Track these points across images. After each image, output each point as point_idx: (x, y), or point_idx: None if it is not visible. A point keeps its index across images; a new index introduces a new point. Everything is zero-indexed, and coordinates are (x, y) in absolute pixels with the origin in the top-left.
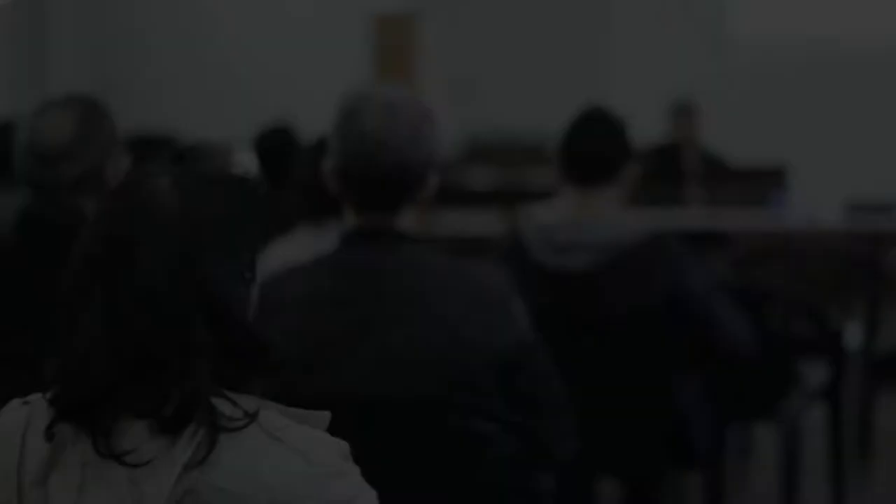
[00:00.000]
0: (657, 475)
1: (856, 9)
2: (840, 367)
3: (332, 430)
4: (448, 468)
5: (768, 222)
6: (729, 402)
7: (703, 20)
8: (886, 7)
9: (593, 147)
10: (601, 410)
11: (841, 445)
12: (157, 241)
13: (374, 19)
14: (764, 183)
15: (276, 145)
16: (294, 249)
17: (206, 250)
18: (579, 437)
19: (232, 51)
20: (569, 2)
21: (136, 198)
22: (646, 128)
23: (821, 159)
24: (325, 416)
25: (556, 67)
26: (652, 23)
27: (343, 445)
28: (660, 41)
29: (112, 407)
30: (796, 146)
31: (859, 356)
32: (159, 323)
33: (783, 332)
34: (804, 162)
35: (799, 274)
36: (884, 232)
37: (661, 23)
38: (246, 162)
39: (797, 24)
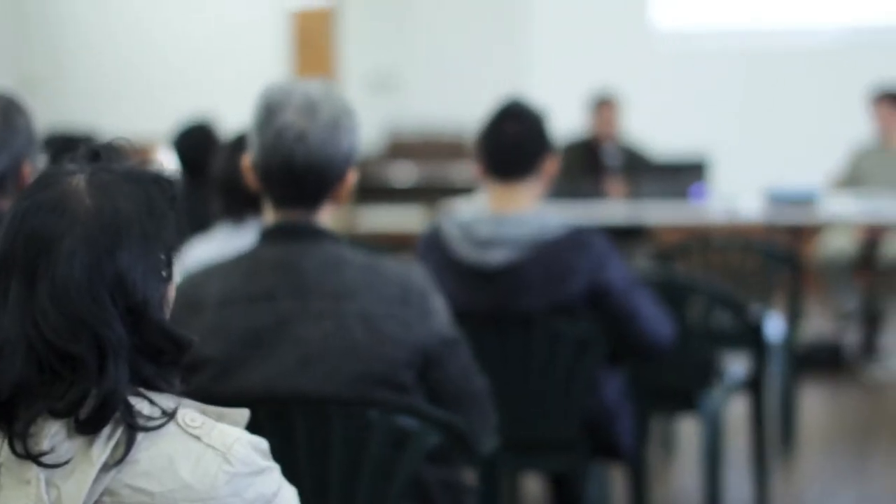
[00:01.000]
0: (581, 468)
1: (776, 1)
2: (762, 358)
3: (253, 427)
4: (369, 464)
5: (688, 216)
6: (651, 394)
7: (624, 11)
8: (808, 1)
9: (512, 141)
10: (523, 405)
11: (763, 437)
12: (72, 240)
13: (294, 14)
14: (685, 177)
15: (194, 143)
16: (213, 246)
17: (122, 248)
18: (502, 431)
19: (152, 44)
20: None
21: (50, 196)
22: (568, 120)
23: (742, 150)
24: (245, 413)
25: (477, 60)
26: (573, 14)
27: (262, 443)
28: (581, 33)
29: (28, 407)
30: (718, 136)
31: (780, 348)
32: (75, 322)
33: (704, 325)
34: (725, 152)
35: (719, 266)
36: (803, 225)
37: (582, 14)
38: (165, 159)
39: (718, 16)
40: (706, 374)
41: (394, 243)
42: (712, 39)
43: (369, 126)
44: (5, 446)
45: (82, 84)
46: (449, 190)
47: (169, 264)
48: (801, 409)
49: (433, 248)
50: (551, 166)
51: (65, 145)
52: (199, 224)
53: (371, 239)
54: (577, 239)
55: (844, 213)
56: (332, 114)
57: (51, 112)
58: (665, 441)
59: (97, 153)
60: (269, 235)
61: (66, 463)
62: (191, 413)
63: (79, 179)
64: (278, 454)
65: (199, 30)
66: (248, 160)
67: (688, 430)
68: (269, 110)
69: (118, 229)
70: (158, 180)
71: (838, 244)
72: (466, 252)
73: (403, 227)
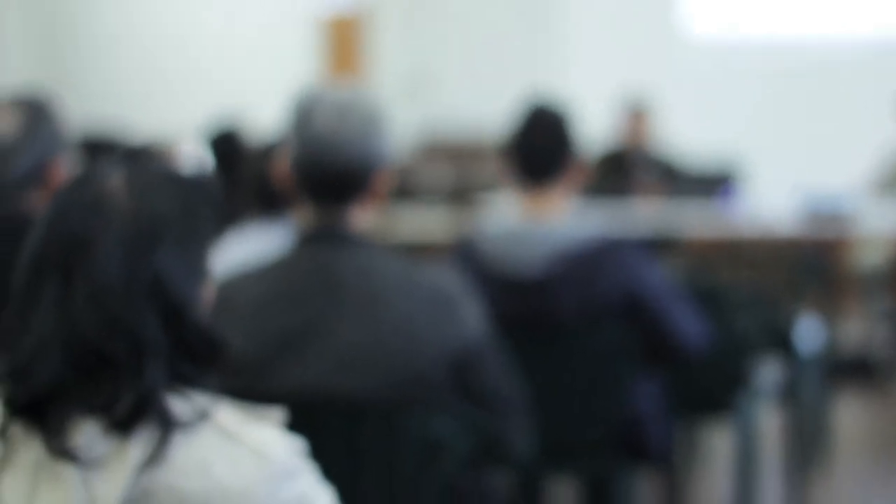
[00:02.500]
0: (613, 473)
1: (806, 9)
2: (796, 368)
3: (287, 428)
4: (403, 466)
5: (721, 227)
6: (683, 400)
7: (658, 15)
8: (835, 8)
9: (542, 144)
10: (557, 411)
11: (798, 447)
12: (110, 240)
13: (326, 15)
14: (717, 187)
15: (224, 148)
16: (246, 244)
17: (159, 248)
18: (537, 437)
19: (179, 42)
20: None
21: (87, 196)
22: (601, 122)
23: (773, 158)
24: (280, 413)
25: (509, 61)
26: (609, 14)
27: (298, 443)
28: (616, 35)
29: (63, 406)
30: (748, 144)
31: (814, 358)
32: (111, 321)
33: (738, 332)
34: (757, 161)
35: (751, 276)
36: (836, 238)
37: (617, 16)
38: (196, 152)
39: (749, 24)
40: (739, 381)
41: (426, 246)
42: (742, 47)
43: (402, 129)
44: (40, 445)
45: (109, 81)
46: (483, 189)
47: (206, 263)
48: (834, 421)
49: (466, 259)
50: (580, 167)
51: (102, 147)
52: (227, 222)
53: (403, 242)
54: (609, 249)
55: (879, 227)
56: (363, 117)
57: (78, 109)
58: (697, 447)
59: (133, 154)
60: (305, 239)
61: (101, 462)
62: (227, 413)
63: (116, 180)
64: (312, 456)
65: (229, 28)
66: (284, 163)
67: (721, 441)
68: (304, 116)
69: (156, 230)
70: (196, 181)
71: (873, 256)
72: (499, 263)
73: (435, 229)
